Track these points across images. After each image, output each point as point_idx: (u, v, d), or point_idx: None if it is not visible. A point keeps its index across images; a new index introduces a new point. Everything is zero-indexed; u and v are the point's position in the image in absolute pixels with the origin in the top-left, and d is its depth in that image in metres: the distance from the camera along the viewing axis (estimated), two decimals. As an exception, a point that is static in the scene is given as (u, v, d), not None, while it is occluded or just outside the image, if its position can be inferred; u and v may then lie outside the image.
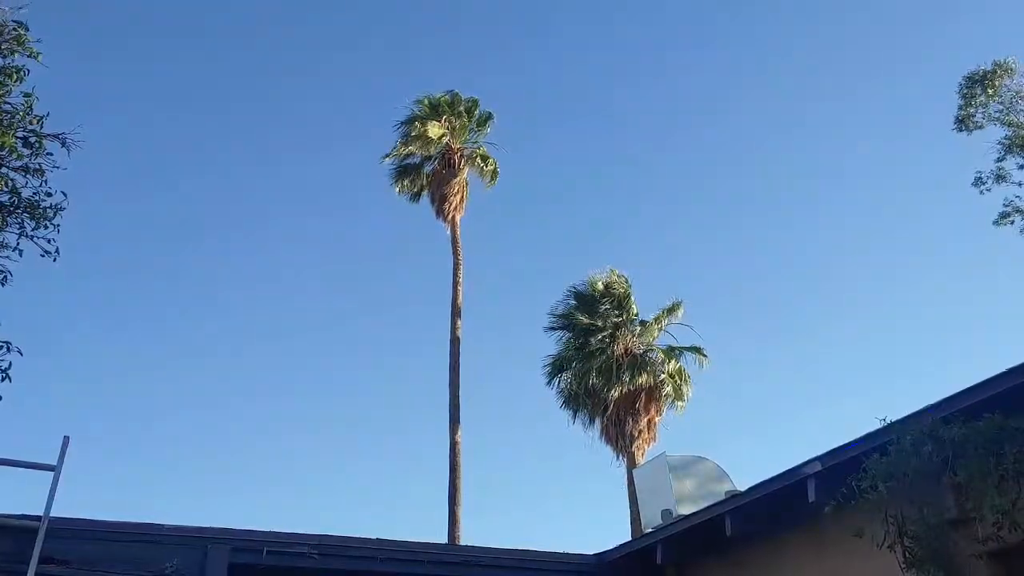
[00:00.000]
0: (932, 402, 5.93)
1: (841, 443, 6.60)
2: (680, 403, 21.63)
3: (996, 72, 21.21)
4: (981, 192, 21.86)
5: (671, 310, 22.31)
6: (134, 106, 29.93)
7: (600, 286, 22.30)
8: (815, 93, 33.31)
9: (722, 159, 33.40)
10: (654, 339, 22.23)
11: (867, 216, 33.04)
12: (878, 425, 6.19)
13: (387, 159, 26.17)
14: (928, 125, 32.03)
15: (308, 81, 32.53)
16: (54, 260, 7.10)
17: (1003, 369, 5.58)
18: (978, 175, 21.82)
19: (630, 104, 33.87)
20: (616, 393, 21.00)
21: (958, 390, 5.82)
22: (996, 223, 21.71)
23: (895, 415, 6.09)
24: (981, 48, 32.70)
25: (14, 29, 7.02)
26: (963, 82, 21.59)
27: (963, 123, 21.64)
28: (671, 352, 21.98)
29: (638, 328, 22.06)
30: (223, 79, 31.41)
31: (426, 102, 26.32)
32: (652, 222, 34.71)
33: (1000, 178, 21.66)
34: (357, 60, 32.57)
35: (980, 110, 21.52)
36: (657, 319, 22.27)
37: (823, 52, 33.03)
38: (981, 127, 21.60)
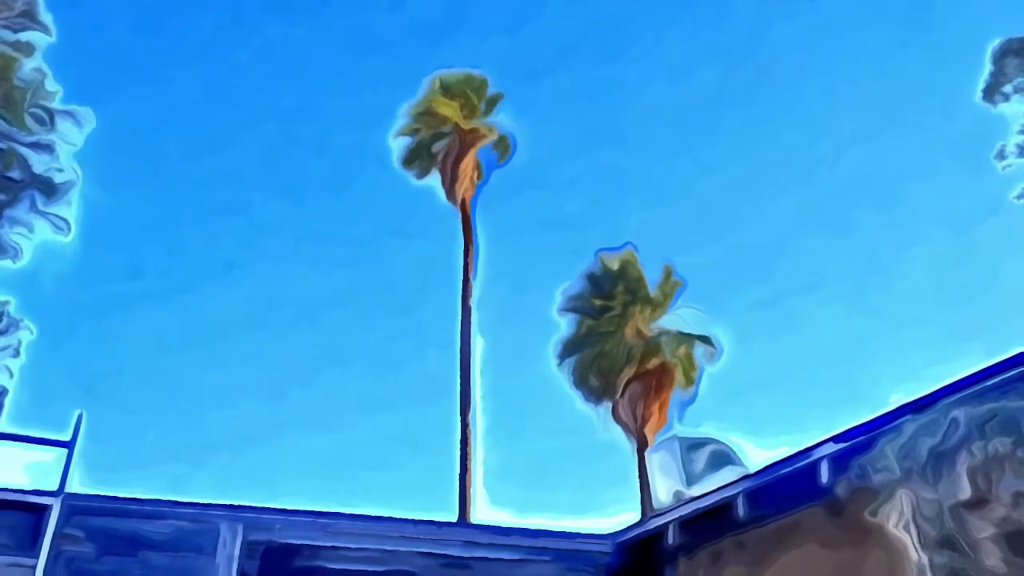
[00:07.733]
0: (947, 382, 5.88)
1: (855, 424, 6.55)
2: (691, 386, 21.59)
3: None
4: (1003, 168, 21.32)
5: (677, 288, 22.21)
6: (163, 70, 29.88)
7: (614, 266, 22.21)
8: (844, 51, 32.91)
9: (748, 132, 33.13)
10: (662, 319, 22.16)
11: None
12: (893, 406, 6.14)
13: (397, 138, 26.09)
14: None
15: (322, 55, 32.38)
16: (66, 237, 7.07)
17: (1021, 349, 5.52)
18: (1001, 146, 21.24)
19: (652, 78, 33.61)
20: (627, 375, 20.96)
21: (974, 370, 5.76)
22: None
23: (909, 396, 6.04)
24: None
25: (24, 3, 6.95)
26: (995, 51, 20.89)
27: (990, 92, 20.86)
28: (682, 337, 21.90)
29: (649, 311, 21.98)
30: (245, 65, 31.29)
31: (437, 82, 26.16)
32: (669, 199, 34.55)
33: None
34: (371, 32, 32.39)
35: (1013, 81, 20.73)
36: (667, 298, 22.17)
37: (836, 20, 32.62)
38: (1007, 100, 20.87)
